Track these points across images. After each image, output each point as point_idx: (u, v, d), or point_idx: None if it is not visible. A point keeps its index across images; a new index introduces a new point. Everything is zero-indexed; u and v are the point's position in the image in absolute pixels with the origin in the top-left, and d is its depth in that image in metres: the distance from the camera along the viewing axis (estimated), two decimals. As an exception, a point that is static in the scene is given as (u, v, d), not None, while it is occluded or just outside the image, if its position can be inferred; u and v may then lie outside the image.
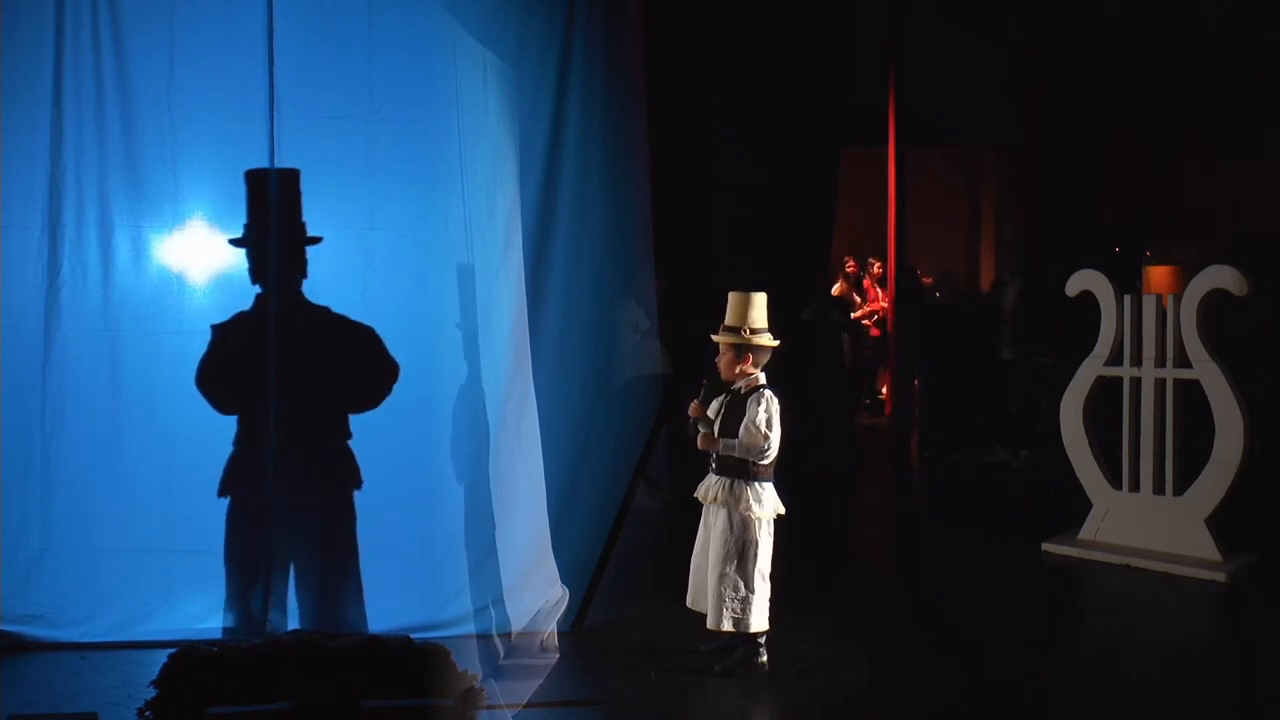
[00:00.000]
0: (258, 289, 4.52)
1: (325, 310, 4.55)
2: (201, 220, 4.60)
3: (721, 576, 4.30)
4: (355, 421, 4.61)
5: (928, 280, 11.48)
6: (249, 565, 4.53)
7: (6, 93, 4.42)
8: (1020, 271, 9.48)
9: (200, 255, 4.61)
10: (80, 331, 4.52)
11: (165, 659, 3.62)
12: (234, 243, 4.53)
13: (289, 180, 4.52)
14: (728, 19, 9.36)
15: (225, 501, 4.52)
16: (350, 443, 4.57)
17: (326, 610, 4.53)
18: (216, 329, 4.52)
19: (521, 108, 4.90)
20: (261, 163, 4.51)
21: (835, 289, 11.70)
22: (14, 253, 4.49)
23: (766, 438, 4.26)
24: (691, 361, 5.59)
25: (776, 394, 4.37)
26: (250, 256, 4.52)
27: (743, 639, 4.34)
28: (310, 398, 4.53)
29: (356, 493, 4.56)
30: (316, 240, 4.55)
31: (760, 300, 4.43)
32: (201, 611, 4.54)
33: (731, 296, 4.45)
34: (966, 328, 10.10)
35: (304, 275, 4.54)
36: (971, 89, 11.69)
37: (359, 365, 4.60)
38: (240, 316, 4.53)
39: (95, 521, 4.52)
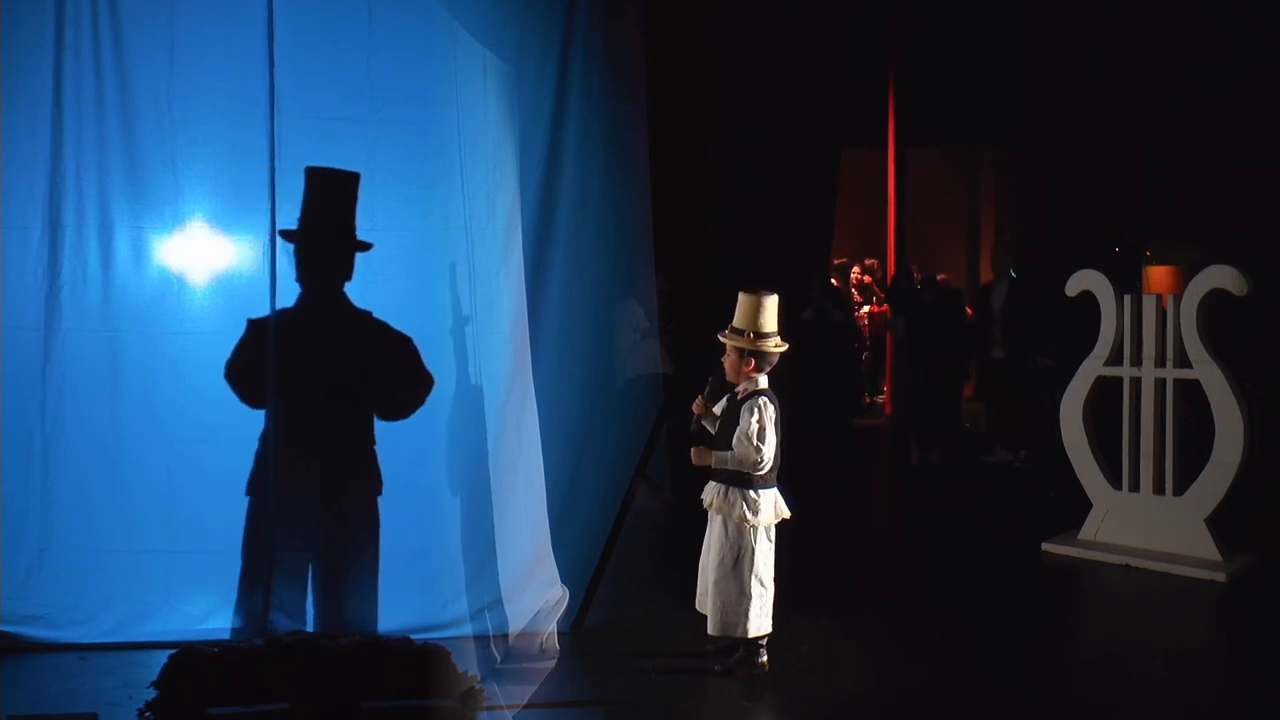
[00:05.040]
0: (299, 287, 4.53)
1: (367, 315, 4.56)
2: (201, 221, 4.59)
3: (717, 582, 4.30)
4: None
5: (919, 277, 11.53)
6: (266, 564, 4.53)
7: (6, 93, 4.41)
8: (1011, 271, 9.49)
9: (200, 256, 4.60)
10: (80, 331, 4.52)
11: (165, 659, 3.63)
12: (284, 235, 4.52)
13: (348, 182, 4.53)
14: (728, 19, 9.37)
15: (232, 501, 4.51)
16: (375, 448, 4.58)
17: (346, 613, 4.52)
18: (252, 323, 4.51)
19: (521, 108, 4.89)
20: (262, 163, 4.51)
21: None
22: (14, 253, 4.48)
23: (759, 450, 4.22)
24: (692, 361, 5.59)
25: (776, 396, 4.36)
26: (297, 253, 4.52)
27: (744, 641, 4.35)
28: (340, 400, 4.53)
29: (379, 498, 4.57)
30: (366, 246, 4.56)
31: (771, 304, 4.32)
32: (202, 612, 4.54)
33: (741, 297, 4.34)
34: (954, 327, 10.09)
35: (348, 278, 4.54)
36: (971, 89, 11.69)
37: (394, 374, 4.60)
38: (279, 314, 4.52)
39: (95, 521, 4.52)
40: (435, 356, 4.68)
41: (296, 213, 4.55)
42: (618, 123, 5.15)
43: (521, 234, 4.86)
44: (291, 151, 4.53)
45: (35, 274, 4.50)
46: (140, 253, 4.58)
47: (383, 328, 4.56)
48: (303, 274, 4.52)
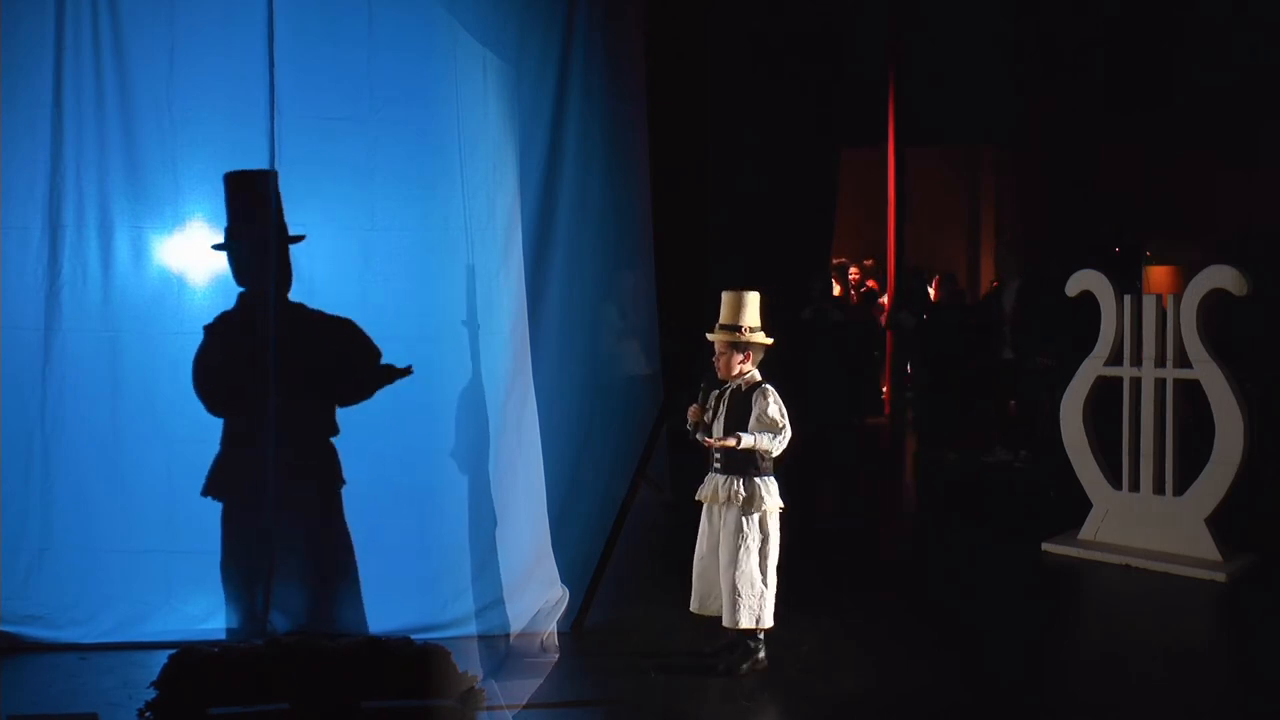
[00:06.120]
0: (241, 290, 4.54)
1: (301, 306, 4.57)
2: (201, 221, 4.60)
3: (740, 574, 4.29)
4: (353, 421, 4.62)
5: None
6: (245, 566, 4.53)
7: (6, 93, 4.41)
8: (1015, 272, 9.51)
9: (200, 256, 4.60)
10: (80, 331, 4.52)
11: (165, 660, 3.63)
12: (216, 248, 4.54)
13: (263, 180, 4.51)
14: (728, 19, 9.37)
15: (221, 503, 4.52)
16: (335, 440, 4.58)
17: (323, 610, 4.52)
18: (207, 330, 4.54)
19: (521, 108, 4.90)
20: (261, 163, 4.52)
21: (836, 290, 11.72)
22: (14, 253, 4.48)
23: (777, 424, 4.28)
24: (691, 361, 5.59)
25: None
26: (231, 259, 4.54)
27: (744, 638, 4.35)
28: (295, 397, 4.54)
29: (343, 490, 4.58)
30: (298, 239, 4.55)
31: (753, 298, 4.44)
32: (202, 612, 4.54)
33: (725, 296, 4.45)
34: (957, 327, 10.10)
35: (289, 274, 4.55)
36: (971, 89, 11.69)
37: (343, 358, 4.61)
38: (224, 317, 4.55)
39: (95, 521, 4.52)
40: (435, 356, 4.68)
41: (296, 214, 4.55)
42: (618, 123, 5.15)
43: (521, 234, 4.86)
44: (291, 151, 4.53)
45: (35, 274, 4.50)
46: (140, 253, 4.58)
47: (320, 316, 4.56)
48: (241, 277, 4.53)
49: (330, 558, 4.56)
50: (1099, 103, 12.07)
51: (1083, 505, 6.45)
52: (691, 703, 4.17)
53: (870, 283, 12.64)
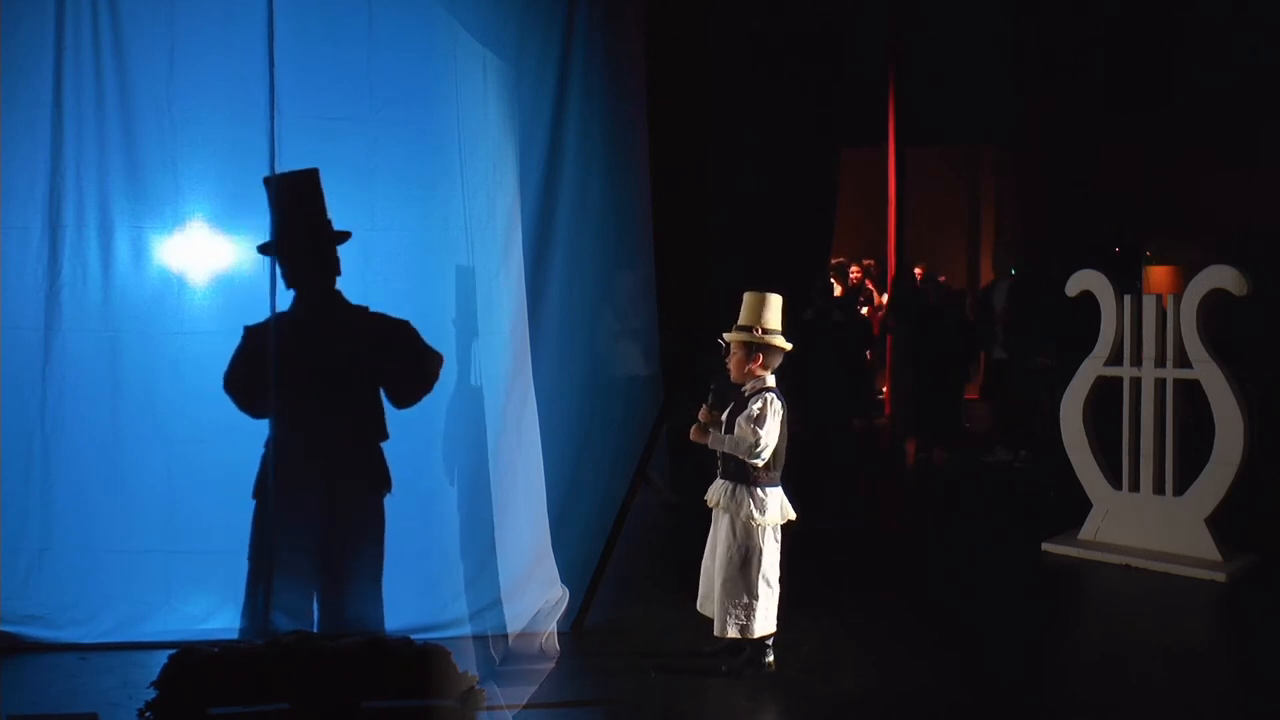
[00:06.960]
0: (292, 293, 4.49)
1: (364, 309, 4.53)
2: (201, 221, 4.60)
3: (725, 583, 4.30)
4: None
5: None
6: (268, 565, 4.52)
7: (6, 93, 4.42)
8: (1011, 269, 9.50)
9: (200, 256, 4.60)
10: (80, 331, 4.52)
11: (165, 659, 3.63)
12: (262, 249, 4.49)
13: (308, 180, 4.49)
14: (728, 19, 9.37)
15: (233, 501, 4.49)
16: (385, 445, 4.55)
17: (348, 613, 4.50)
18: (249, 331, 4.48)
19: (521, 108, 4.90)
20: (261, 163, 4.51)
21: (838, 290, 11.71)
22: (14, 253, 4.49)
23: (755, 433, 4.23)
24: (691, 361, 5.59)
25: (782, 396, 4.36)
26: (281, 262, 4.48)
27: (749, 640, 4.35)
28: (343, 399, 4.50)
29: (386, 498, 4.54)
30: (345, 236, 4.50)
31: (775, 301, 4.40)
32: (202, 612, 4.55)
33: (746, 296, 4.42)
34: (955, 328, 10.09)
35: (338, 273, 4.51)
36: (971, 89, 11.69)
37: (400, 359, 4.57)
38: (278, 318, 4.49)
39: (95, 521, 4.52)
40: (435, 357, 4.69)
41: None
42: (618, 123, 5.15)
43: (521, 234, 4.86)
44: (291, 151, 4.52)
45: (35, 274, 4.50)
46: (140, 253, 4.58)
47: (380, 318, 4.53)
48: (292, 279, 4.49)
49: (364, 560, 4.53)
50: (1099, 103, 12.08)
51: (1083, 505, 6.45)
52: (691, 703, 4.17)
53: (869, 282, 12.64)
